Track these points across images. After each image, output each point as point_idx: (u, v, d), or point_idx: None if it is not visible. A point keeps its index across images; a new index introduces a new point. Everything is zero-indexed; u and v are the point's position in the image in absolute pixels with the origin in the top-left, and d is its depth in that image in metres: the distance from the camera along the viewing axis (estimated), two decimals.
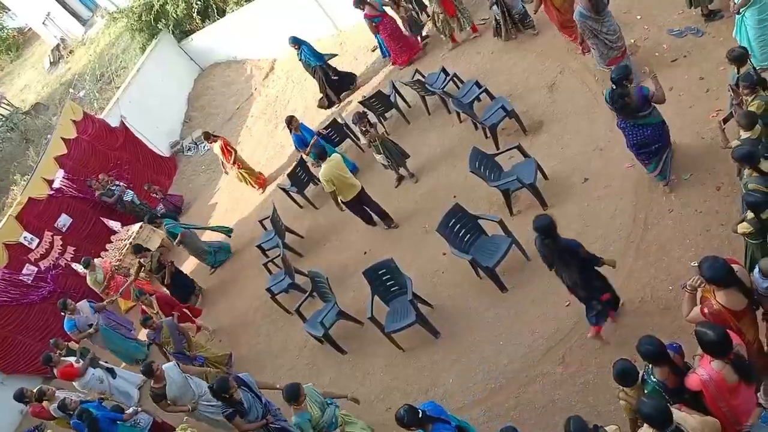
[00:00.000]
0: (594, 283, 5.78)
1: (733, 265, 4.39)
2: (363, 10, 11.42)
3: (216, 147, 12.08)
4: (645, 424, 3.90)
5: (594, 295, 5.81)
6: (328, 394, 6.14)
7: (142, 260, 10.18)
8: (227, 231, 11.41)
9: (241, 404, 6.12)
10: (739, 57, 6.09)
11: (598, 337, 6.10)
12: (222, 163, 12.31)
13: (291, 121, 10.74)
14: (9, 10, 26.16)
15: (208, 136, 12.16)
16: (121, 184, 13.09)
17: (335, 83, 12.65)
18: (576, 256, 5.55)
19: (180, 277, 10.68)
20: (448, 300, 7.67)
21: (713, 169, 6.75)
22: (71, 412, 7.98)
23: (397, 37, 11.76)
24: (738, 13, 6.96)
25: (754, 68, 6.25)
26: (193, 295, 10.79)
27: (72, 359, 9.20)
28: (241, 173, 12.25)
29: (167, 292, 10.27)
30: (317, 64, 12.37)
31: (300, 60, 12.48)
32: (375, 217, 9.33)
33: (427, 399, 6.38)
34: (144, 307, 9.41)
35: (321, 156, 8.70)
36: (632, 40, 8.74)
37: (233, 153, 12.07)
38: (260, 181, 12.46)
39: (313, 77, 12.74)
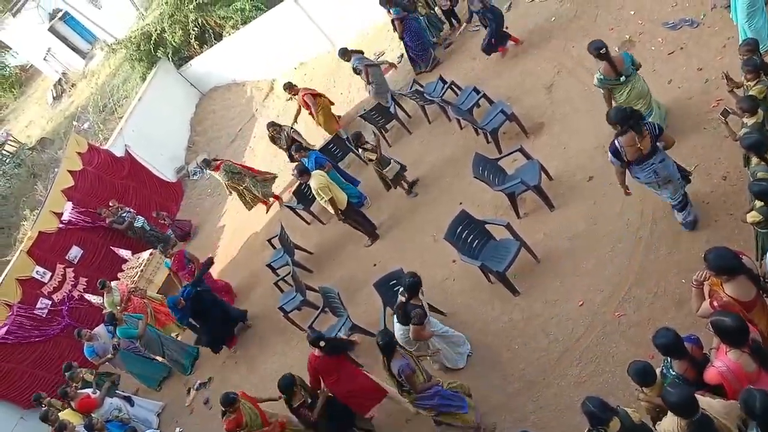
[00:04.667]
0: None
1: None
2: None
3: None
4: (669, 413, 3.84)
5: None
6: None
7: None
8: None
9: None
10: (755, 46, 6.06)
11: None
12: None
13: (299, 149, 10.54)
14: (10, 48, 26.55)
15: (290, 86, 11.71)
16: (132, 210, 13.18)
17: None
18: None
19: None
20: (460, 307, 7.63)
21: (718, 158, 6.71)
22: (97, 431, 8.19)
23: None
24: None
25: (759, 54, 6.23)
26: None
27: (89, 390, 9.23)
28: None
29: None
30: None
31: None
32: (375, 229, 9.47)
33: None
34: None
35: (303, 173, 9.07)
36: (627, 36, 8.79)
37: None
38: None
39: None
